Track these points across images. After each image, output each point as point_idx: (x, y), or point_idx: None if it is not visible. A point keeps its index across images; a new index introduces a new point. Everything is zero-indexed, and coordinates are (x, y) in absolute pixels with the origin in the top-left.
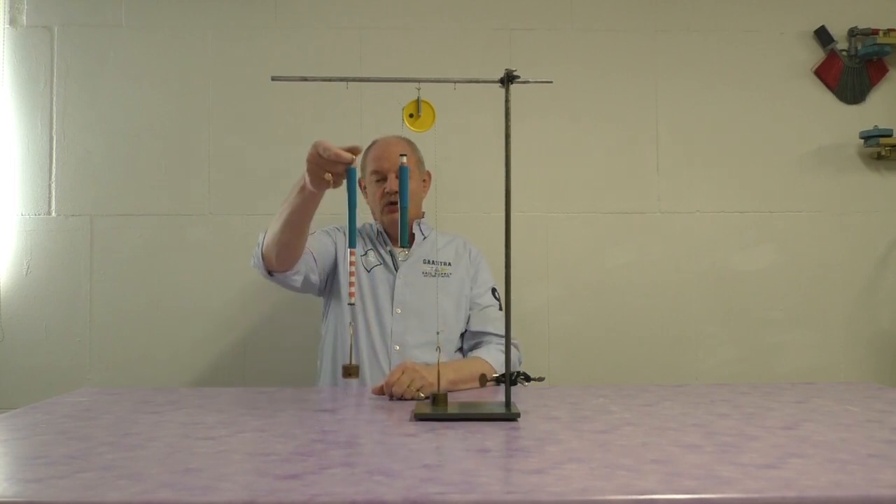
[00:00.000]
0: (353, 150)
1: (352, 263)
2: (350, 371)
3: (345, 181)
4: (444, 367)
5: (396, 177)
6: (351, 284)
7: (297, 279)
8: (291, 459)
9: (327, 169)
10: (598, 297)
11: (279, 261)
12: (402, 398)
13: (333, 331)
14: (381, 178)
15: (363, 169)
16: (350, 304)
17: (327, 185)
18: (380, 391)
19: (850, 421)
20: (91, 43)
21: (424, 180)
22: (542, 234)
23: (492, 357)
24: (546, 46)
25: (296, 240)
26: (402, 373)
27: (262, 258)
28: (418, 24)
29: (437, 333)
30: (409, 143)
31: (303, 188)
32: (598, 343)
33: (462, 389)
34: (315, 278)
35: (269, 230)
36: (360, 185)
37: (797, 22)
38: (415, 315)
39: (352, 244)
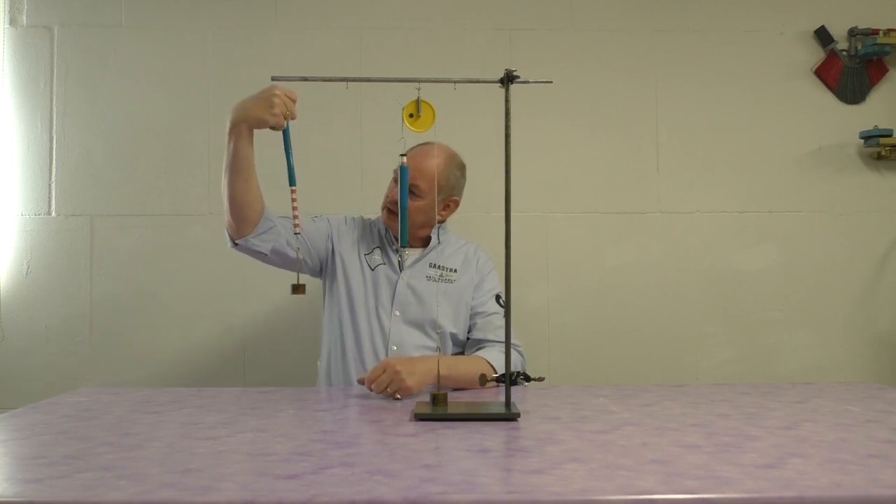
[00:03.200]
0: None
1: (294, 200)
2: (297, 288)
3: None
4: (438, 360)
5: (413, 183)
6: (295, 217)
7: (263, 246)
8: (291, 459)
9: (289, 108)
10: (598, 297)
11: (236, 218)
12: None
13: (329, 330)
14: (396, 178)
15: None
16: (296, 234)
17: (281, 122)
18: (363, 382)
19: (850, 421)
20: (91, 43)
21: (448, 206)
22: (542, 234)
23: (492, 357)
24: (546, 46)
25: (244, 187)
26: (384, 371)
27: (227, 229)
28: (418, 24)
29: (437, 333)
30: (442, 161)
31: (235, 132)
32: (598, 343)
33: (454, 388)
34: (293, 254)
35: (223, 197)
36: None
37: (797, 22)
38: (413, 318)
39: (292, 182)
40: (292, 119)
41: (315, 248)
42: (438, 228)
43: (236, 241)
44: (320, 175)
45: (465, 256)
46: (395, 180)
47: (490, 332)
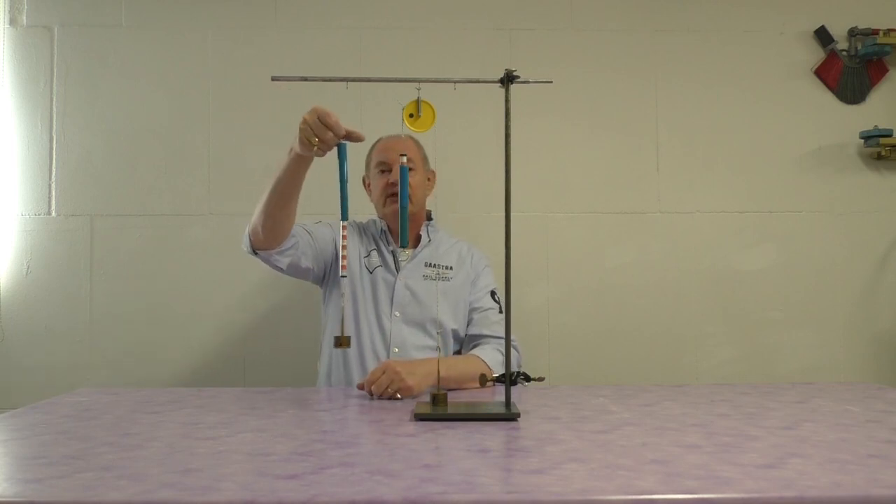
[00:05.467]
0: (352, 136)
1: (344, 237)
2: (342, 342)
3: (331, 153)
4: (436, 363)
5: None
6: (343, 258)
7: (283, 261)
8: (291, 459)
9: (318, 135)
10: (598, 297)
11: (266, 234)
12: (381, 397)
13: (330, 332)
14: (386, 169)
15: (367, 165)
16: (342, 277)
17: (307, 150)
18: (363, 387)
19: (850, 421)
20: (91, 43)
21: (429, 179)
22: (542, 234)
23: (488, 356)
24: (546, 46)
25: (283, 209)
26: (383, 373)
27: (250, 234)
28: (418, 24)
29: (437, 333)
30: (415, 140)
31: (290, 150)
32: (598, 343)
33: (453, 388)
34: (308, 264)
35: (258, 203)
36: (364, 184)
37: (797, 22)
38: (412, 317)
39: (344, 217)
40: (349, 140)
41: (322, 255)
42: (428, 226)
43: (256, 251)
44: (320, 175)
45: (459, 254)
46: (381, 171)
47: (486, 328)
